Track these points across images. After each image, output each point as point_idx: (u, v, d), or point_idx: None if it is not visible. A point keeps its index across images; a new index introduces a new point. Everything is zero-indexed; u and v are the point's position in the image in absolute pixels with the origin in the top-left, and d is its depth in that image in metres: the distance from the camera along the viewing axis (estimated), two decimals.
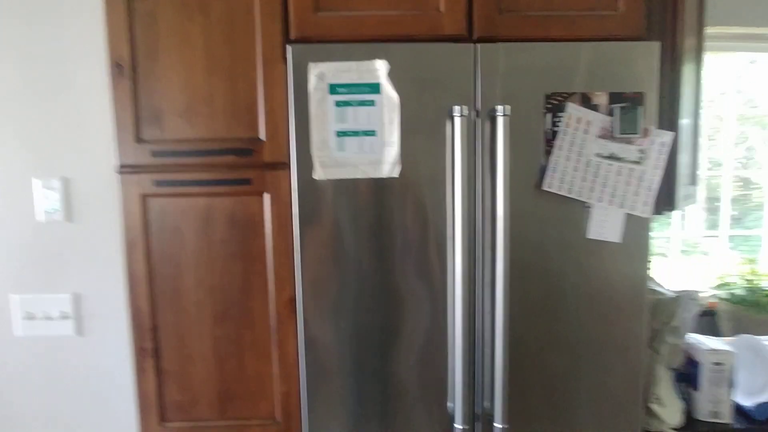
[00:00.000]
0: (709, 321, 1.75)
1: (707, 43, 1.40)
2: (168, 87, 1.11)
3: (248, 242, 1.15)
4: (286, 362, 1.18)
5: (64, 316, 1.21)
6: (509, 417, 1.14)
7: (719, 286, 1.72)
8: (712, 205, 1.95)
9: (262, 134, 1.12)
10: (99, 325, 1.21)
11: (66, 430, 1.26)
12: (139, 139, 1.12)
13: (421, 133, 1.08)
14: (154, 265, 1.16)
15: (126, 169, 1.12)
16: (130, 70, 1.10)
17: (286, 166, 1.13)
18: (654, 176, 1.07)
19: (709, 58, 1.65)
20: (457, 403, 1.10)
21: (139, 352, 1.18)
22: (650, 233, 1.13)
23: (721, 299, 1.69)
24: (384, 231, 1.10)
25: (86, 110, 1.24)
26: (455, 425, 1.11)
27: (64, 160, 1.23)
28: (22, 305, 1.21)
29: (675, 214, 1.87)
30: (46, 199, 1.20)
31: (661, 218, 1.36)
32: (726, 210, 1.95)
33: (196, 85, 1.11)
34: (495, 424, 1.10)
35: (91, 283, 1.20)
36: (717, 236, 1.96)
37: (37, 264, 1.21)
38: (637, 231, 1.11)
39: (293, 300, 1.16)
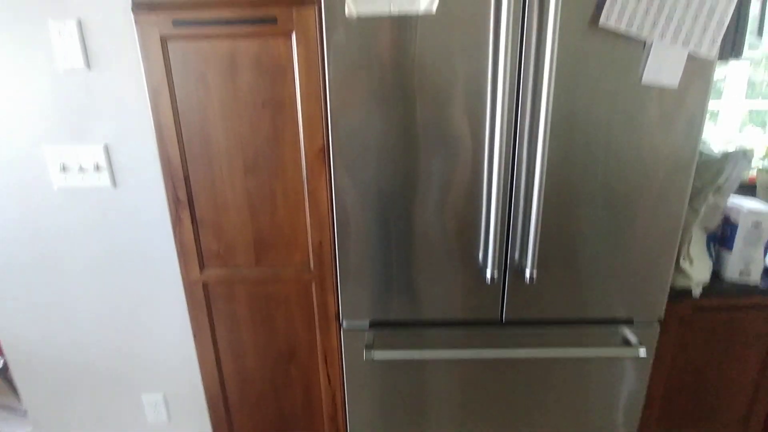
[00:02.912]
0: (747, 193, 1.70)
1: None
2: None
3: (276, 88, 1.10)
4: (318, 212, 1.19)
5: (97, 168, 1.21)
6: (538, 267, 1.17)
7: (764, 157, 1.63)
8: None
9: None
10: (132, 177, 1.22)
11: (111, 275, 1.32)
12: None
13: None
14: (181, 113, 1.13)
15: (141, 7, 1.04)
16: None
17: (314, 1, 1.03)
18: (727, 8, 0.95)
19: None
20: (489, 252, 1.11)
21: (174, 202, 1.20)
22: (711, 79, 1.03)
23: (763, 170, 1.61)
24: (419, 73, 1.03)
25: None
26: (487, 273, 1.13)
27: (77, 1, 1.15)
28: (56, 157, 1.21)
29: (736, 68, 1.72)
30: (64, 45, 1.14)
31: (722, 64, 1.23)
32: None
33: None
34: (526, 272, 1.12)
35: (119, 133, 1.18)
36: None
37: (63, 115, 1.18)
38: (697, 76, 1.02)
39: (324, 149, 1.13)
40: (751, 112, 1.85)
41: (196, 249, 1.24)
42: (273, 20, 1.05)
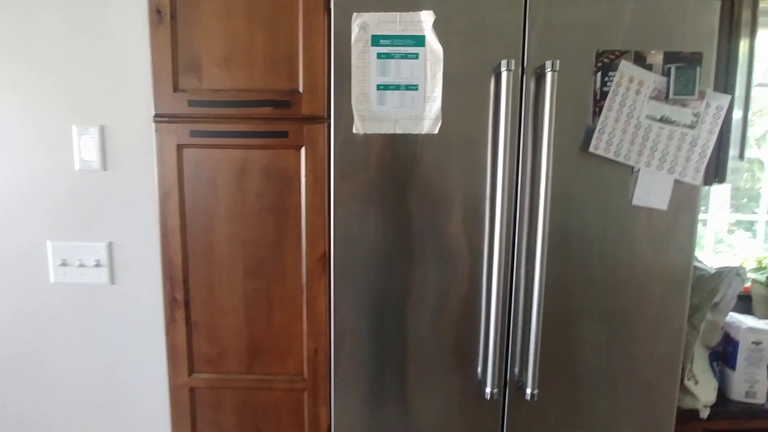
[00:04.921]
0: (743, 305, 1.70)
1: (761, 19, 1.34)
2: (207, 35, 1.10)
3: (282, 196, 1.14)
4: (315, 319, 1.17)
5: (98, 264, 1.22)
6: (539, 384, 1.13)
7: (755, 270, 1.66)
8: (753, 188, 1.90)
9: (301, 86, 1.10)
10: (131, 275, 1.22)
11: (96, 377, 1.27)
12: (176, 88, 1.11)
13: (465, 88, 1.05)
14: (188, 217, 1.15)
15: (162, 119, 1.11)
16: (169, 16, 1.09)
17: (324, 119, 1.11)
18: (708, 141, 1.02)
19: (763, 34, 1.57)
20: (489, 367, 1.08)
21: (170, 303, 1.18)
22: (698, 203, 1.08)
23: (757, 282, 1.63)
24: (420, 189, 1.08)
25: (125, 58, 1.23)
26: (486, 389, 1.09)
27: (102, 108, 1.23)
28: (58, 252, 1.22)
29: (716, 192, 1.81)
30: (84, 147, 1.20)
31: (707, 189, 1.30)
32: (766, 193, 1.89)
33: (237, 33, 1.09)
34: (527, 390, 1.09)
35: (125, 232, 1.20)
36: (755, 220, 1.90)
37: (73, 212, 1.21)
38: (684, 199, 1.07)
39: (325, 256, 1.14)
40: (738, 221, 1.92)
41: (188, 352, 1.20)
42: (284, 134, 1.12)
